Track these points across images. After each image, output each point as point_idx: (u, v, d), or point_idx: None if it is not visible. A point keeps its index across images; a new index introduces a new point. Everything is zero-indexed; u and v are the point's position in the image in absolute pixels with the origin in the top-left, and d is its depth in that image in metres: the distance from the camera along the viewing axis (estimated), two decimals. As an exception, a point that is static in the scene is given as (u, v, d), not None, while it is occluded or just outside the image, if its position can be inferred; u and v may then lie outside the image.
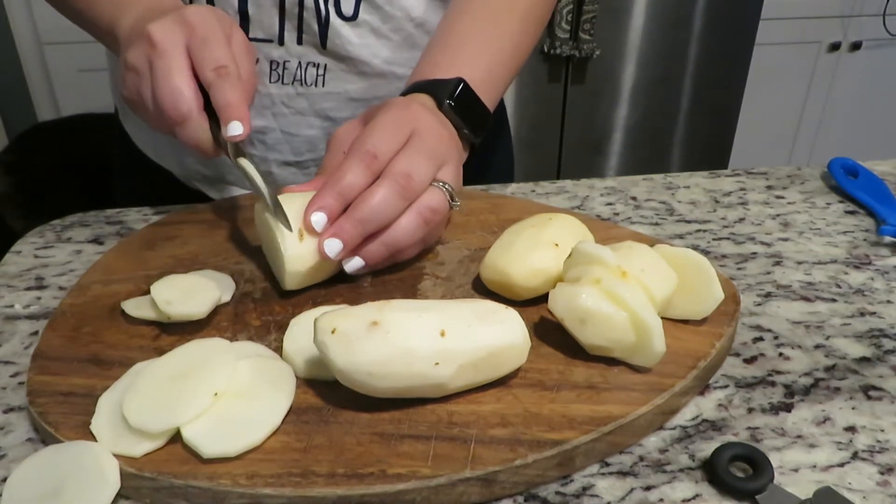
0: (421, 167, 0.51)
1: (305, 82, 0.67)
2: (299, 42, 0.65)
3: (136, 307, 0.48)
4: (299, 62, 0.66)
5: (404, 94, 0.60)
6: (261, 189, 0.50)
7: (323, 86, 0.68)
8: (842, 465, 0.39)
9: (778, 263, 0.58)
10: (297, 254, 0.48)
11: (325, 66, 0.67)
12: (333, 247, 0.48)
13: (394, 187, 0.49)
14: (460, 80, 0.59)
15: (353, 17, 0.65)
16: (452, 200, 0.53)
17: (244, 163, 0.52)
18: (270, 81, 0.67)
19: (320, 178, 0.53)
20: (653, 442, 0.41)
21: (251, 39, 0.65)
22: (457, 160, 0.55)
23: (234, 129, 0.50)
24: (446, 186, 0.52)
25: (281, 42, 0.65)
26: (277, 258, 0.50)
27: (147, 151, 0.77)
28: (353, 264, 0.50)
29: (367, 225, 0.49)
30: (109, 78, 0.79)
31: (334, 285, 0.52)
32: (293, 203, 0.50)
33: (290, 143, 0.71)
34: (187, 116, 0.51)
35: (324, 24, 0.64)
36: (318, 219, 0.48)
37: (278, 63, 0.66)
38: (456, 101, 0.57)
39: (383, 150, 0.50)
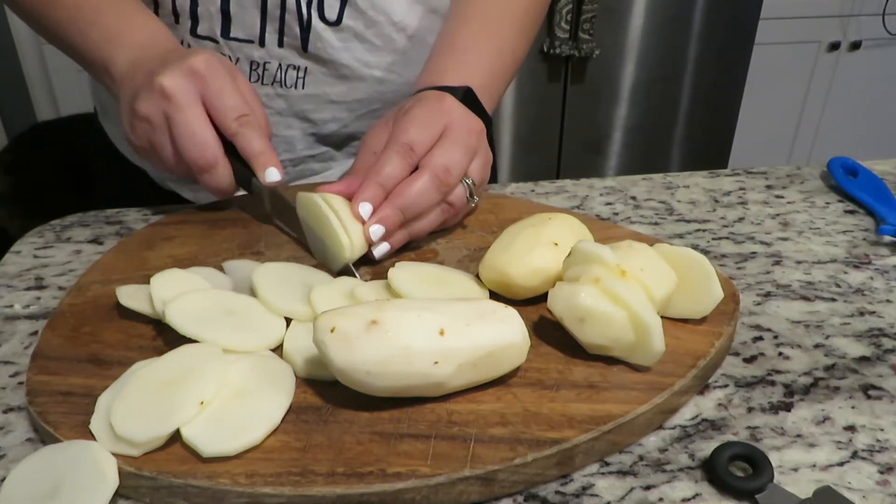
0: (456, 161, 0.54)
1: (285, 84, 0.67)
2: (280, 44, 0.65)
3: (129, 297, 0.48)
4: (279, 64, 0.66)
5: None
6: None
7: (303, 88, 0.68)
8: (841, 464, 0.39)
9: (777, 263, 0.58)
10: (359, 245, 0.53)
11: (306, 68, 0.67)
12: (377, 231, 0.52)
13: (433, 180, 0.53)
14: (468, 88, 0.60)
15: (337, 22, 0.65)
16: (471, 196, 0.56)
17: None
18: (250, 81, 0.67)
19: (351, 179, 0.56)
20: (652, 441, 0.41)
21: (231, 39, 0.65)
22: (485, 153, 0.58)
23: (272, 175, 0.56)
24: (468, 182, 0.56)
25: (262, 43, 0.65)
26: (334, 245, 0.53)
27: (125, 152, 0.77)
28: (381, 249, 0.54)
29: (406, 212, 0.53)
30: (88, 79, 0.79)
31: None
32: (333, 202, 0.53)
33: None
34: (213, 164, 0.55)
35: (305, 28, 0.64)
36: (366, 209, 0.52)
37: (258, 64, 0.66)
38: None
39: (419, 143, 0.54)
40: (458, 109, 0.57)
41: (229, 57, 0.66)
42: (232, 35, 0.65)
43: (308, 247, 0.57)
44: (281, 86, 0.67)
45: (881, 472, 0.39)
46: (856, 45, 2.10)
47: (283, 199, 0.57)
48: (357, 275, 0.53)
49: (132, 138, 0.57)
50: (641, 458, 0.40)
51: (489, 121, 0.62)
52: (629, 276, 0.43)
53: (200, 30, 0.65)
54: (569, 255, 0.46)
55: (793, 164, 0.76)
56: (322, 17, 0.64)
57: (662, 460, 0.40)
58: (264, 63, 0.66)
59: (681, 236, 0.63)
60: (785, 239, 0.62)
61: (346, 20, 0.65)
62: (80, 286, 0.52)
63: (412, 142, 0.53)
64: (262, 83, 0.67)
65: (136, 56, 0.57)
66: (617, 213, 0.66)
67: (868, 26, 2.07)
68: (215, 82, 0.55)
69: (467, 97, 0.59)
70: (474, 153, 0.56)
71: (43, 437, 0.41)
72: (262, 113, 0.58)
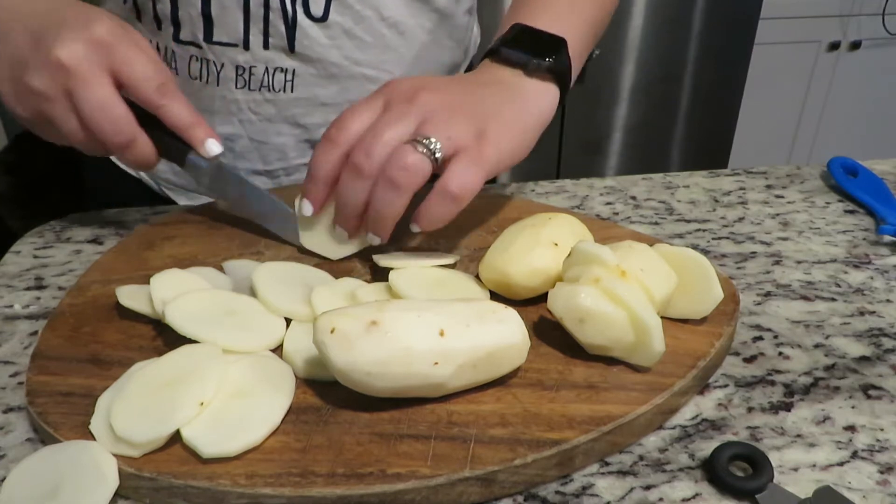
0: (379, 134, 0.48)
1: (273, 88, 0.66)
2: (266, 46, 0.63)
3: (129, 297, 0.48)
4: (266, 67, 0.65)
5: (501, 38, 0.57)
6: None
7: (291, 91, 0.66)
8: (841, 464, 0.39)
9: (777, 263, 0.58)
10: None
11: (294, 70, 0.65)
12: (341, 235, 0.53)
13: (349, 170, 0.49)
14: (563, 39, 0.56)
15: (324, 18, 0.63)
16: (433, 157, 0.47)
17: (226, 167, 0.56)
18: (236, 87, 0.65)
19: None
20: (652, 441, 0.41)
21: (215, 43, 0.63)
22: (440, 112, 0.49)
23: (213, 147, 0.53)
24: (428, 141, 0.47)
25: (246, 46, 0.63)
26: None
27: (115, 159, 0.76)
28: (371, 239, 0.52)
29: (347, 209, 0.51)
30: None
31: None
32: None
33: (259, 150, 0.69)
34: (131, 140, 0.51)
35: (291, 26, 0.62)
36: (306, 207, 0.52)
37: (244, 69, 0.64)
38: (556, 59, 0.55)
39: (344, 130, 0.50)
40: (403, 81, 0.52)
41: (213, 62, 0.64)
42: (215, 39, 0.63)
43: (258, 223, 0.58)
44: (269, 90, 0.66)
45: (881, 472, 0.39)
46: (856, 45, 2.10)
47: (227, 172, 0.55)
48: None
49: (18, 110, 0.51)
50: (641, 458, 0.40)
51: (569, 81, 0.57)
52: (629, 277, 0.43)
53: (183, 35, 0.63)
54: (569, 255, 0.46)
55: (793, 164, 0.76)
56: (308, 13, 0.62)
57: (662, 460, 0.40)
58: (250, 67, 0.64)
59: (681, 236, 0.63)
60: (785, 239, 0.62)
61: (332, 15, 0.63)
62: (80, 286, 0.52)
63: (333, 131, 0.50)
64: (249, 89, 0.65)
65: None
66: (617, 213, 0.66)
67: (868, 26, 2.07)
68: (122, 50, 0.49)
69: (561, 46, 0.55)
70: (417, 116, 0.49)
71: (43, 437, 0.41)
72: (173, 78, 0.53)
